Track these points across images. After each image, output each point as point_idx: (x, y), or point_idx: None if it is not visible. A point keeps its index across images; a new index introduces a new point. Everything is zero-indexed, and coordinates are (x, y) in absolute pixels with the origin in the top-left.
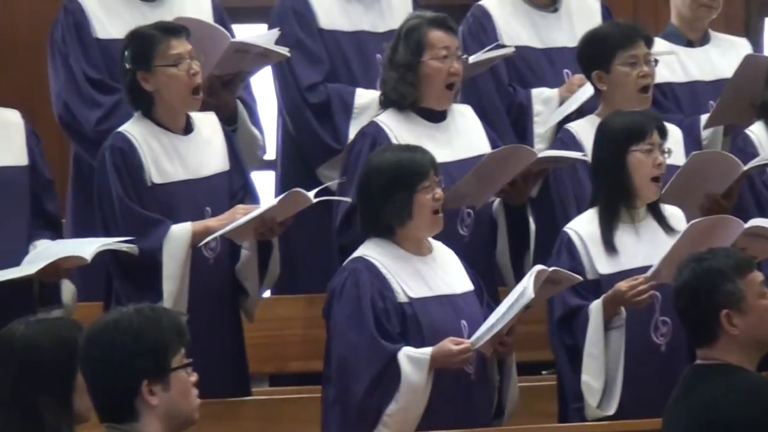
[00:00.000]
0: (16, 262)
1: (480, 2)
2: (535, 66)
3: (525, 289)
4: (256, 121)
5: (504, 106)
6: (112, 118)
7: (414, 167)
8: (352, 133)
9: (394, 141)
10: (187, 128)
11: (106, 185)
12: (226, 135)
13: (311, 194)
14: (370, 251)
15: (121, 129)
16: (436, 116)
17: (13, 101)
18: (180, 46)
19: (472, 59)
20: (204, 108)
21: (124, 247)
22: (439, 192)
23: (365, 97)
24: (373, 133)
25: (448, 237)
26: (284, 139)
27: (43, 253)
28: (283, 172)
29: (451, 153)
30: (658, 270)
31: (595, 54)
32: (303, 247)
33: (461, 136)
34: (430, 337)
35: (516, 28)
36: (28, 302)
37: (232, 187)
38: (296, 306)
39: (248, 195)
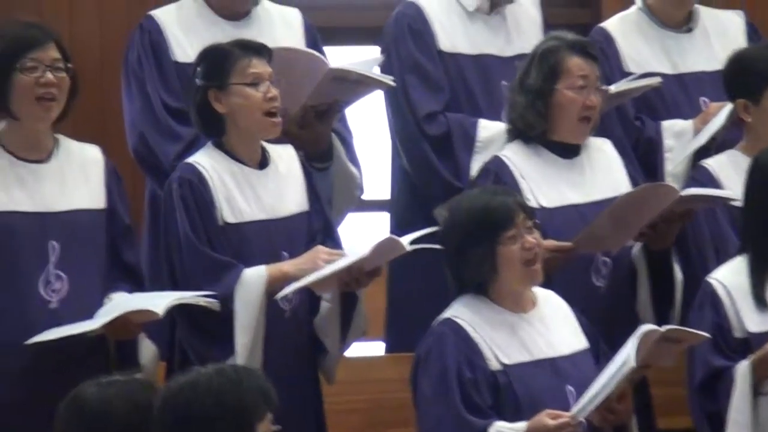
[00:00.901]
0: (90, 315)
1: (601, 24)
2: (666, 94)
3: (627, 358)
4: (353, 157)
5: (630, 142)
6: (194, 151)
7: (496, 214)
8: (475, 169)
9: (518, 178)
10: (263, 162)
11: (173, 221)
12: (305, 170)
13: (406, 241)
14: (460, 311)
15: (190, 160)
16: (569, 151)
17: (82, 133)
18: (260, 66)
19: (613, 88)
20: (296, 142)
21: (203, 301)
22: (530, 240)
23: (489, 129)
24: (495, 169)
25: (581, 289)
26: (399, 176)
27: (113, 306)
28: (397, 212)
29: (585, 193)
30: None
31: (742, 80)
32: (412, 296)
33: (597, 175)
34: (529, 408)
35: (643, 52)
36: (103, 363)
37: (312, 228)
38: (394, 366)
39: (328, 238)
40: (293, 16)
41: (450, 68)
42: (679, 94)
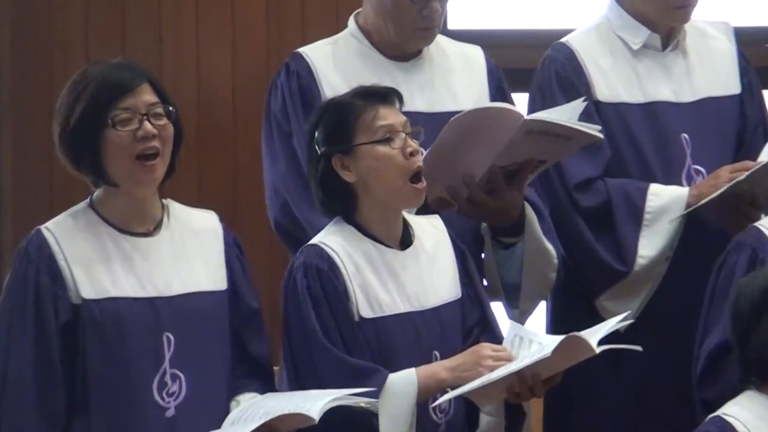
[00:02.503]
0: (214, 423)
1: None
2: None
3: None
4: (548, 230)
5: None
6: None
7: None
8: (645, 249)
9: None
10: (405, 239)
11: (298, 318)
12: (456, 248)
13: (594, 340)
14: (735, 408)
15: (316, 240)
16: None
17: (208, 198)
18: (390, 116)
19: None
20: (480, 212)
21: (362, 401)
22: None
23: (663, 196)
24: (751, 243)
25: None
26: None
27: (253, 410)
28: (553, 302)
29: None
30: None
31: None
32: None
33: None
34: None
35: None
36: None
37: (466, 322)
38: None
39: (486, 332)
40: (475, 55)
41: (611, 121)
42: None
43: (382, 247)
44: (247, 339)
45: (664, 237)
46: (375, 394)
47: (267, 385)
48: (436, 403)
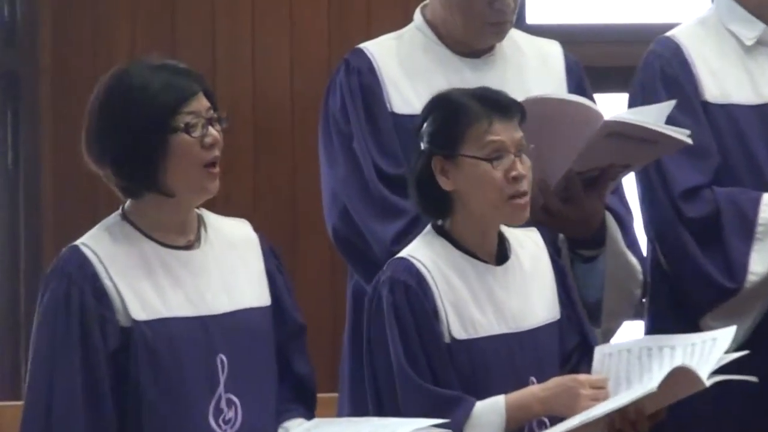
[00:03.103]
0: None
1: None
2: None
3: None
4: (632, 242)
5: None
6: (417, 233)
7: None
8: (756, 265)
9: None
10: (501, 254)
11: (381, 339)
12: (555, 264)
13: (705, 374)
14: None
15: (405, 254)
16: None
17: (265, 207)
18: (504, 133)
19: None
20: (557, 221)
21: None
22: None
23: None
24: None
25: None
26: (656, 274)
27: None
28: (654, 321)
29: None
30: None
31: None
32: None
33: None
34: None
35: None
36: None
37: (565, 346)
38: None
39: (586, 358)
40: (552, 51)
41: (720, 124)
42: None
43: (477, 262)
44: (291, 357)
45: None
46: (460, 425)
47: (311, 408)
48: None
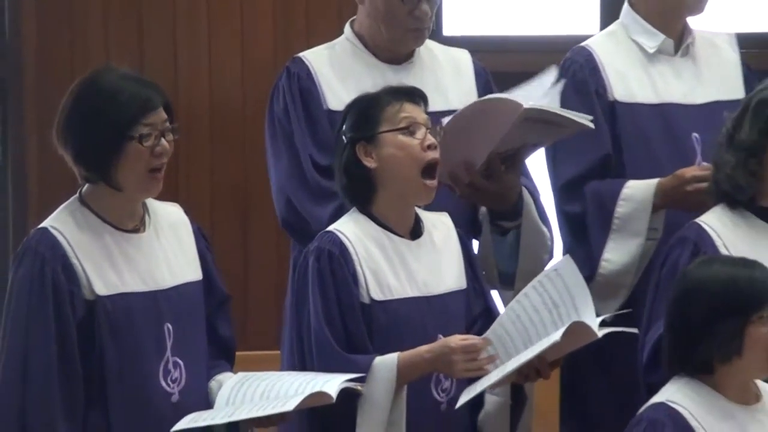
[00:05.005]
0: (209, 404)
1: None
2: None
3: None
4: (542, 214)
5: None
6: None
7: (752, 289)
8: (611, 253)
9: (722, 250)
10: (416, 231)
11: (305, 303)
12: (463, 243)
13: (595, 324)
14: (678, 396)
15: (332, 228)
16: None
17: (221, 195)
18: (415, 111)
19: None
20: (481, 198)
21: (360, 386)
22: None
23: (633, 199)
24: (694, 239)
25: None
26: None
27: (248, 389)
28: None
29: None
30: None
31: None
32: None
33: None
34: None
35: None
36: None
37: (471, 312)
38: None
39: (489, 324)
40: (462, 58)
41: (626, 120)
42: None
43: (393, 236)
44: (217, 323)
45: (633, 243)
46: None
47: (232, 365)
48: (459, 405)
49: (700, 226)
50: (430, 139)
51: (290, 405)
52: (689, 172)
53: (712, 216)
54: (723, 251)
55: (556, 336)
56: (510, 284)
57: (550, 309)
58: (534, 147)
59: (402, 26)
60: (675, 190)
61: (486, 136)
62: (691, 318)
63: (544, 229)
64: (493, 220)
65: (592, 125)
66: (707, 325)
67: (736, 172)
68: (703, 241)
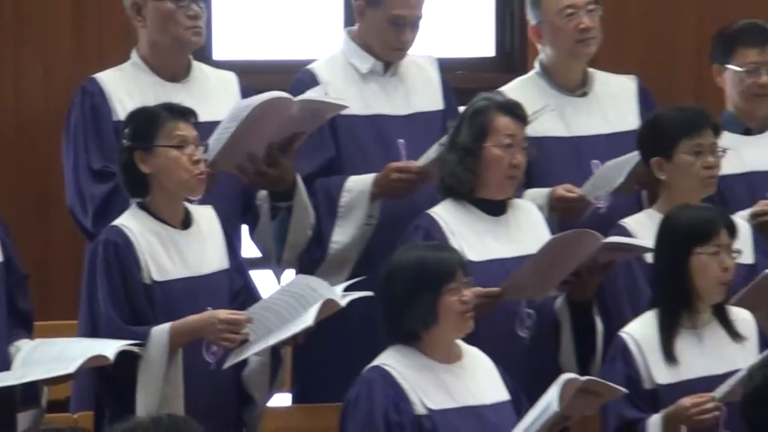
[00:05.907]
0: (5, 365)
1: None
2: (558, 157)
3: (550, 402)
4: (312, 194)
5: None
6: (114, 213)
7: (440, 267)
8: (337, 236)
9: (449, 235)
10: (186, 222)
11: (95, 287)
12: (225, 231)
13: (339, 295)
14: (390, 359)
15: (116, 222)
16: (495, 209)
17: (26, 196)
18: (186, 130)
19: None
20: (264, 183)
21: (137, 349)
22: (467, 294)
23: (354, 190)
24: (426, 226)
25: (506, 339)
26: None
27: (41, 353)
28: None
29: (512, 249)
30: (732, 391)
31: (655, 139)
32: (323, 350)
33: (522, 232)
34: None
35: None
36: (9, 404)
37: (233, 286)
38: (318, 417)
39: (249, 298)
40: (230, 79)
41: (343, 131)
42: (572, 156)
43: (168, 227)
44: (17, 299)
45: (354, 226)
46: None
47: (29, 333)
48: (225, 366)
49: (431, 216)
50: (197, 155)
51: (72, 367)
52: (394, 165)
53: (440, 207)
54: (449, 235)
55: (311, 319)
56: (279, 260)
57: (297, 298)
58: (303, 134)
59: (182, 25)
60: (384, 179)
61: (265, 132)
62: (394, 295)
63: (311, 209)
64: (272, 201)
65: (347, 104)
66: (407, 300)
67: (457, 169)
68: (433, 228)
